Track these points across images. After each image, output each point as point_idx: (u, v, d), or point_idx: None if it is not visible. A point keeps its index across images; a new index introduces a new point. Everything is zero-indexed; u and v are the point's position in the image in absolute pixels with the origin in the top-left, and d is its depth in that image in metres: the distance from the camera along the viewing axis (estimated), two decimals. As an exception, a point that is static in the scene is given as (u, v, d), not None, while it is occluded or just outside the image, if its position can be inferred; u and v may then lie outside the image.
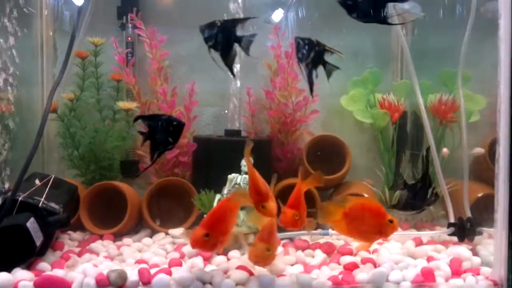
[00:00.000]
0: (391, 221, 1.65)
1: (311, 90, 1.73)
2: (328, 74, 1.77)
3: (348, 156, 2.30)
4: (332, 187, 2.37)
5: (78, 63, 2.27)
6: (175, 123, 1.61)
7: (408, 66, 2.13)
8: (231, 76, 1.74)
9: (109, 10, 2.37)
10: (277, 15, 2.45)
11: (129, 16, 2.29)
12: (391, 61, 2.52)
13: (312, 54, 1.73)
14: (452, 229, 1.99)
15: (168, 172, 2.29)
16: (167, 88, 2.24)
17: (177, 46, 2.39)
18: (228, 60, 1.68)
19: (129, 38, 2.34)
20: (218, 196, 1.94)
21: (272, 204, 1.60)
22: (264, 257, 1.58)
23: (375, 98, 2.37)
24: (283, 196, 1.78)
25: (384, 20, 1.65)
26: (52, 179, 1.95)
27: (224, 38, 1.66)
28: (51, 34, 2.42)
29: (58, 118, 2.22)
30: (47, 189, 1.87)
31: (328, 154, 2.33)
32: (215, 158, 2.20)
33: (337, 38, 2.44)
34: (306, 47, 1.73)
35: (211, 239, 1.51)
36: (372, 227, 1.67)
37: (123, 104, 2.19)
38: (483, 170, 2.25)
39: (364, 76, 2.42)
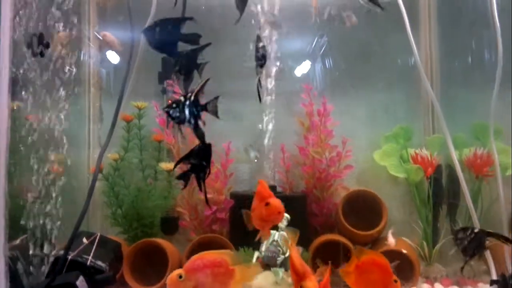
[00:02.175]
0: (395, 281, 1.64)
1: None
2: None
3: (385, 211, 2.31)
4: (369, 243, 2.37)
5: (123, 125, 2.42)
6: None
7: (440, 120, 2.19)
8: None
9: (152, 75, 2.55)
10: (305, 67, 2.59)
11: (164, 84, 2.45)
12: (422, 115, 2.57)
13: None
14: (495, 286, 1.95)
15: (207, 229, 2.35)
16: (206, 147, 2.35)
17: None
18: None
19: (169, 101, 2.48)
20: (256, 254, 1.98)
21: (309, 284, 1.58)
22: None
23: (408, 152, 2.41)
24: (321, 251, 1.80)
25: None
26: (98, 238, 2.05)
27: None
28: (97, 98, 2.63)
29: (103, 177, 2.35)
30: (94, 247, 1.96)
31: (364, 209, 2.35)
32: (252, 214, 2.26)
33: (367, 94, 2.57)
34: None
35: (186, 282, 1.49)
36: (377, 283, 1.65)
37: (164, 165, 2.31)
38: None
39: (395, 131, 2.48)
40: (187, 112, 1.70)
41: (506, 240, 1.86)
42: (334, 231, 2.36)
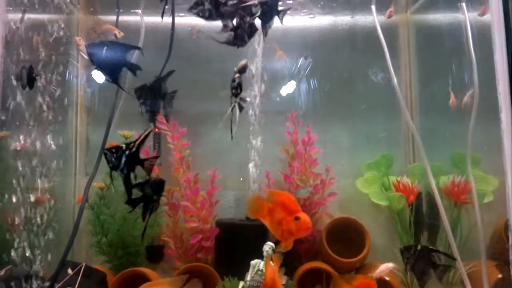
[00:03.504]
0: None
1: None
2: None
3: (368, 238, 2.35)
4: (353, 270, 2.40)
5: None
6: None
7: (419, 150, 2.26)
8: None
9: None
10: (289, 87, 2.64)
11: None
12: (402, 144, 2.65)
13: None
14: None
15: (192, 257, 2.36)
16: (191, 176, 2.37)
17: (198, 137, 2.58)
18: None
19: (157, 130, 2.53)
20: (241, 284, 2.00)
21: None
22: None
23: (389, 180, 2.47)
24: (305, 278, 1.82)
25: None
26: (83, 268, 2.05)
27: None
28: (84, 126, 2.65)
29: (89, 206, 2.35)
30: (79, 278, 1.97)
31: (347, 236, 2.40)
32: (238, 242, 2.28)
33: (349, 122, 2.64)
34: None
35: None
36: None
37: (150, 194, 2.32)
38: (501, 249, 2.27)
39: (376, 159, 2.54)
40: (122, 161, 1.75)
41: (449, 257, 2.01)
42: (318, 258, 2.39)
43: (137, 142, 1.78)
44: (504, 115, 1.70)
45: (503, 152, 1.73)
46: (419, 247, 1.97)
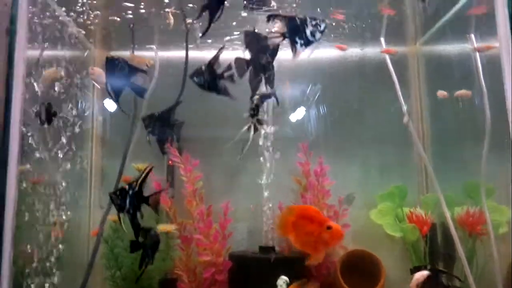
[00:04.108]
0: None
1: None
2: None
3: (383, 270, 2.33)
4: (368, 302, 2.37)
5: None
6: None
7: (432, 180, 2.27)
8: None
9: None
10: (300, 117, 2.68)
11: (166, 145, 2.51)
12: (415, 174, 2.65)
13: None
14: None
15: (205, 291, 2.35)
16: (204, 209, 2.38)
17: (210, 166, 2.60)
18: None
19: (170, 162, 2.56)
20: (256, 317, 1.99)
21: None
22: None
23: (403, 211, 2.46)
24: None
25: None
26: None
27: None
28: (99, 158, 2.69)
29: (103, 240, 2.37)
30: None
31: (362, 268, 2.37)
32: (251, 275, 2.28)
33: (361, 153, 2.65)
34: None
35: None
36: None
37: (163, 227, 2.33)
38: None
39: (390, 190, 2.54)
40: (127, 202, 1.79)
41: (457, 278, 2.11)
42: (333, 291, 2.37)
43: (139, 181, 1.82)
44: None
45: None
46: (428, 267, 2.12)
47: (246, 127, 2.13)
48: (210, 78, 1.90)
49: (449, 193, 2.40)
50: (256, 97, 2.13)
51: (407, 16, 2.47)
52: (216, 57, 1.96)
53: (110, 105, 2.67)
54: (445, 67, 2.60)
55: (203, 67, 1.93)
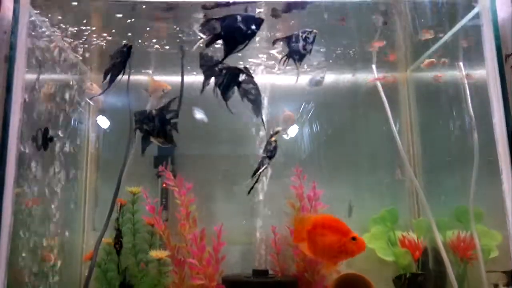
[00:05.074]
0: None
1: None
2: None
3: (374, 294, 2.34)
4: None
5: (116, 210, 2.47)
6: None
7: (423, 205, 2.30)
8: None
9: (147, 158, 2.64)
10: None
11: (159, 168, 2.53)
12: (407, 198, 2.68)
13: None
14: None
15: (198, 314, 2.34)
16: (197, 233, 2.39)
17: (204, 189, 2.62)
18: None
19: (164, 185, 2.57)
20: None
21: None
22: None
23: (395, 235, 2.49)
24: None
25: None
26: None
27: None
28: (93, 182, 2.70)
29: (96, 264, 2.36)
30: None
31: (354, 292, 2.39)
32: (244, 299, 2.28)
33: (353, 177, 2.69)
34: None
35: None
36: None
37: (155, 254, 2.33)
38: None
39: (382, 214, 2.57)
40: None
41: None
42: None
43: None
44: (504, 177, 1.75)
45: (506, 211, 1.77)
46: (408, 275, 2.30)
47: (263, 168, 2.19)
48: (160, 124, 1.93)
49: (441, 217, 2.44)
50: (273, 138, 2.19)
51: (399, 44, 2.53)
52: (167, 105, 2.03)
53: (104, 124, 2.70)
54: (435, 93, 2.65)
55: (154, 112, 1.97)
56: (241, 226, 2.60)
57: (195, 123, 2.55)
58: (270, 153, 2.11)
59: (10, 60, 1.76)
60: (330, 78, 2.65)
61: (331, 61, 2.56)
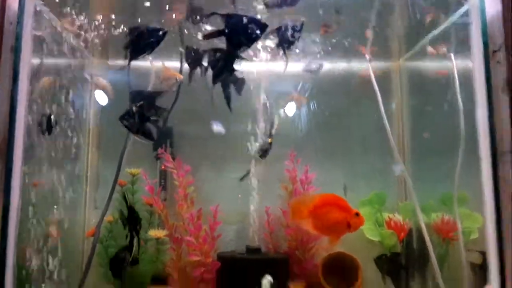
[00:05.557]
0: None
1: None
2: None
3: (360, 272, 2.48)
4: (348, 301, 2.54)
5: (117, 190, 2.58)
6: None
7: (409, 189, 2.42)
8: None
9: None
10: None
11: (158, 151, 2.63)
12: (396, 183, 2.81)
13: None
14: None
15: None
16: (194, 213, 2.51)
17: (201, 172, 2.73)
18: None
19: (163, 167, 2.68)
20: (242, 315, 2.13)
21: None
22: None
23: (382, 217, 2.62)
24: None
25: None
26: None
27: None
28: (95, 162, 2.81)
29: (99, 241, 2.49)
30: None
31: (342, 269, 2.53)
32: (238, 275, 2.42)
33: (345, 162, 2.80)
34: None
35: None
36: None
37: (153, 233, 2.46)
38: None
39: (370, 197, 2.70)
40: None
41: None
42: (313, 290, 2.53)
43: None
44: (484, 167, 1.87)
45: (484, 198, 1.89)
46: (388, 254, 2.46)
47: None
48: (139, 120, 2.01)
49: (428, 201, 2.56)
50: (270, 139, 2.29)
51: (392, 34, 2.60)
52: (150, 102, 2.11)
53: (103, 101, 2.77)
54: (426, 82, 2.74)
55: (134, 109, 2.05)
56: (236, 206, 2.72)
57: (194, 107, 2.67)
58: (264, 153, 2.21)
59: (16, 51, 1.82)
60: (326, 66, 2.73)
61: (328, 49, 2.64)
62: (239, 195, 2.70)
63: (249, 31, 1.82)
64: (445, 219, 2.50)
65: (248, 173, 2.45)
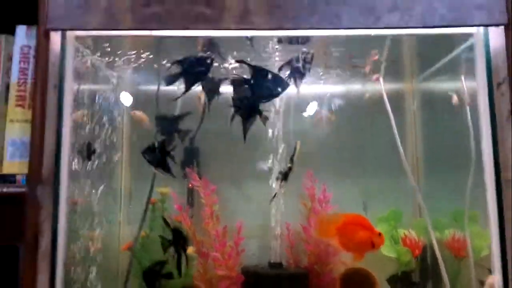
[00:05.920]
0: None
1: None
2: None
3: (377, 286, 2.63)
4: (363, 315, 2.68)
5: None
6: None
7: (421, 207, 2.56)
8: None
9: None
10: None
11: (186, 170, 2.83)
12: (410, 200, 2.93)
13: None
14: None
15: (222, 301, 2.68)
16: (220, 230, 2.70)
17: (226, 192, 2.92)
18: None
19: (190, 185, 2.88)
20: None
21: None
22: None
23: (398, 233, 2.75)
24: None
25: None
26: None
27: None
28: (128, 181, 3.04)
29: (133, 254, 2.71)
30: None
31: (359, 284, 2.67)
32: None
33: (361, 180, 2.95)
34: None
35: None
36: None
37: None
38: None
39: (387, 214, 2.83)
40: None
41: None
42: (334, 305, 2.68)
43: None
44: (489, 196, 2.00)
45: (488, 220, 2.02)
46: (399, 274, 2.60)
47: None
48: (160, 155, 2.20)
49: (441, 218, 2.69)
50: (289, 165, 2.46)
51: (406, 58, 2.75)
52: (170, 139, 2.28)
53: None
54: (438, 103, 2.86)
55: (156, 144, 2.23)
56: (259, 223, 2.90)
57: (219, 129, 2.86)
58: (284, 176, 2.37)
59: (59, 90, 2.05)
60: (342, 88, 2.89)
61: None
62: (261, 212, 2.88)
63: (272, 86, 2.00)
64: (456, 236, 2.62)
65: (275, 195, 2.61)
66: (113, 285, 2.70)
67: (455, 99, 2.50)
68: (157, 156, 2.21)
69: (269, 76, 2.04)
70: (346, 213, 2.53)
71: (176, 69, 2.34)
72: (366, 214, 2.78)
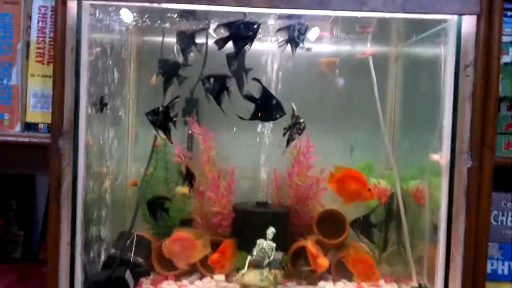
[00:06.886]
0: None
1: None
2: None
3: (347, 227, 3.06)
4: (335, 248, 3.14)
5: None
6: None
7: (391, 159, 2.95)
8: None
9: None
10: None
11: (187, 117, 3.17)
12: (383, 153, 3.31)
13: None
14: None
15: (213, 231, 3.12)
16: (215, 174, 3.08)
17: (221, 138, 3.25)
18: None
19: (190, 132, 3.22)
20: (249, 257, 2.75)
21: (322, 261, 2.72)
22: None
23: (370, 182, 3.14)
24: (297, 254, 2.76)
25: None
26: (136, 237, 2.83)
27: None
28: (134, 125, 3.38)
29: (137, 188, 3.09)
30: (134, 246, 2.75)
31: (332, 223, 3.12)
32: (249, 225, 3.04)
33: (342, 133, 3.30)
34: None
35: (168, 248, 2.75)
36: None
37: (180, 189, 3.04)
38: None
39: (360, 164, 3.21)
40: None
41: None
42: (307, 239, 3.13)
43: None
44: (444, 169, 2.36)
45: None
46: (361, 218, 2.95)
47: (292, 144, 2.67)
48: (163, 119, 2.45)
49: (410, 171, 3.06)
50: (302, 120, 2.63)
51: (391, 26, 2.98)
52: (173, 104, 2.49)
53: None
54: (419, 66, 3.12)
55: (160, 108, 2.45)
56: (250, 165, 3.27)
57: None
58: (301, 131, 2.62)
59: (76, 52, 2.31)
60: (332, 48, 3.13)
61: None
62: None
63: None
64: (420, 187, 3.01)
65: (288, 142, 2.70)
66: (122, 214, 3.14)
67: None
68: (160, 120, 2.47)
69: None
70: (349, 168, 2.90)
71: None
72: (351, 157, 3.22)
